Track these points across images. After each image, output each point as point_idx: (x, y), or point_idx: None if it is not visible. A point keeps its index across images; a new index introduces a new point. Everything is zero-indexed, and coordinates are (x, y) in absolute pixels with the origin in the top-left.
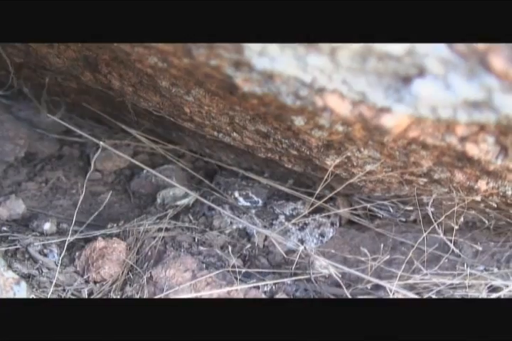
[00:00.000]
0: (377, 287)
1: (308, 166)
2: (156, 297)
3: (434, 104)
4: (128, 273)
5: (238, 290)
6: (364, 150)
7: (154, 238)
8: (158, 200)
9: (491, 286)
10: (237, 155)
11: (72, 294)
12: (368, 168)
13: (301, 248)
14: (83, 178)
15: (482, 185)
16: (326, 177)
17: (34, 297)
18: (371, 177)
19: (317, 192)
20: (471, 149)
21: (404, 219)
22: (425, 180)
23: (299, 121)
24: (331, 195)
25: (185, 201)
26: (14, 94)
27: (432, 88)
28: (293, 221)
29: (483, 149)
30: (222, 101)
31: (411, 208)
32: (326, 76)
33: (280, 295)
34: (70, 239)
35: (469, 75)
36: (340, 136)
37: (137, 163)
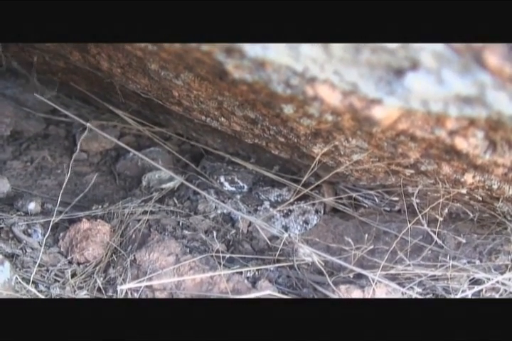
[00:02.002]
0: (359, 276)
1: (295, 153)
2: (139, 282)
3: (426, 97)
4: (112, 255)
5: (221, 275)
6: (352, 140)
7: (139, 221)
8: (144, 183)
9: (472, 279)
10: (224, 139)
11: (56, 274)
12: (355, 157)
13: (286, 235)
14: (69, 158)
15: (468, 178)
16: (312, 165)
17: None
18: (358, 166)
19: (304, 179)
20: (460, 143)
21: (388, 209)
22: (412, 171)
23: (288, 109)
24: (317, 183)
25: (170, 184)
26: (1, 72)
27: (425, 82)
28: (278, 208)
29: (472, 143)
30: (211, 86)
31: (396, 198)
32: (318, 66)
33: (263, 282)
34: (54, 219)
35: (463, 71)
36: (328, 125)
37: (123, 145)
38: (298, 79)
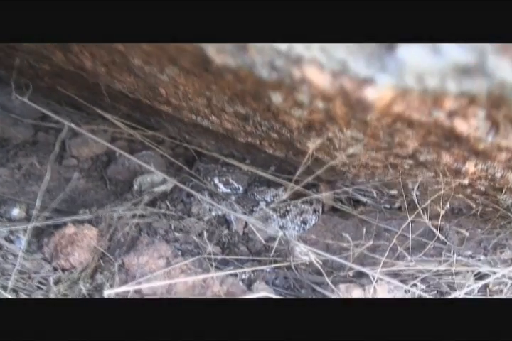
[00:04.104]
0: (360, 275)
1: (290, 151)
2: (128, 286)
3: (421, 71)
4: (99, 260)
5: (214, 277)
6: (346, 131)
7: (128, 224)
8: (135, 186)
9: (478, 273)
10: (217, 140)
11: (39, 282)
12: (351, 150)
13: (280, 234)
14: (58, 164)
15: (470, 166)
16: (305, 159)
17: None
18: (354, 160)
19: (296, 175)
20: (460, 125)
21: (388, 206)
22: (410, 162)
23: (276, 98)
24: (310, 178)
25: (162, 187)
26: None
27: (419, 53)
28: (272, 205)
29: (472, 125)
30: (197, 80)
31: (395, 192)
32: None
33: (259, 283)
34: (34, 224)
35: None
36: (320, 115)
37: (113, 147)
38: (283, 60)
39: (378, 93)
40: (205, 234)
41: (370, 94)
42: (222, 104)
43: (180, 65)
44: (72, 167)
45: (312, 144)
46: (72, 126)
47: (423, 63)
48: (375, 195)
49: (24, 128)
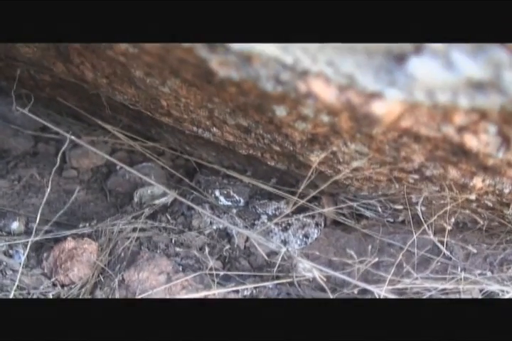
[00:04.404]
0: (364, 291)
1: (292, 163)
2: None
3: (432, 86)
4: (99, 276)
5: (216, 294)
6: (351, 145)
7: (128, 238)
8: (136, 199)
9: (486, 292)
10: (218, 152)
11: (38, 298)
12: (355, 164)
13: (284, 249)
14: (58, 176)
15: (478, 182)
16: (309, 174)
17: None
18: (358, 174)
19: (300, 190)
20: (470, 140)
21: (392, 220)
22: (416, 177)
23: (280, 111)
24: (314, 193)
25: (163, 200)
26: None
27: (430, 67)
28: (275, 220)
29: (483, 141)
30: (199, 92)
31: (400, 207)
32: (309, 56)
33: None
34: (33, 239)
35: (475, 50)
36: (325, 129)
37: (114, 160)
38: (289, 74)
39: (386, 108)
40: (207, 249)
41: (377, 108)
42: (224, 116)
43: (182, 77)
44: (72, 178)
45: (316, 158)
46: (72, 137)
47: (435, 78)
48: (378, 208)
49: (24, 139)
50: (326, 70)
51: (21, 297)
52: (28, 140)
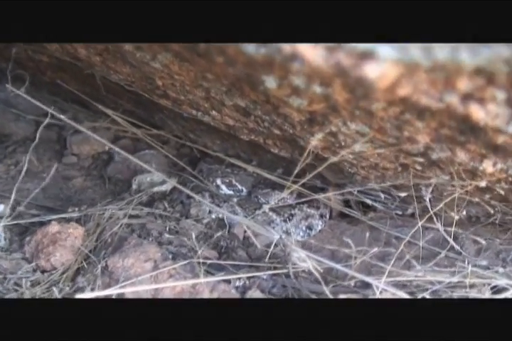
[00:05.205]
0: (365, 285)
1: (296, 150)
2: (110, 290)
3: None
4: (82, 262)
5: (204, 283)
6: (351, 124)
7: (118, 224)
8: (134, 186)
9: (494, 287)
10: (223, 140)
11: (15, 283)
12: (358, 147)
13: (277, 237)
14: (57, 162)
15: (488, 166)
16: (305, 154)
17: None
18: (363, 161)
19: (294, 173)
20: (476, 112)
21: (400, 213)
22: (422, 160)
23: (270, 82)
24: (312, 174)
25: (162, 188)
26: None
27: None
28: (269, 205)
29: (490, 111)
30: (192, 68)
31: (405, 194)
32: None
33: (253, 291)
34: (11, 222)
35: None
36: (321, 105)
37: (112, 146)
38: None
39: (380, 70)
40: (204, 238)
41: (370, 71)
42: (220, 96)
43: (172, 50)
44: (72, 165)
45: (316, 142)
46: (72, 123)
47: None
48: (382, 197)
49: (25, 124)
50: None
51: None
52: (30, 125)
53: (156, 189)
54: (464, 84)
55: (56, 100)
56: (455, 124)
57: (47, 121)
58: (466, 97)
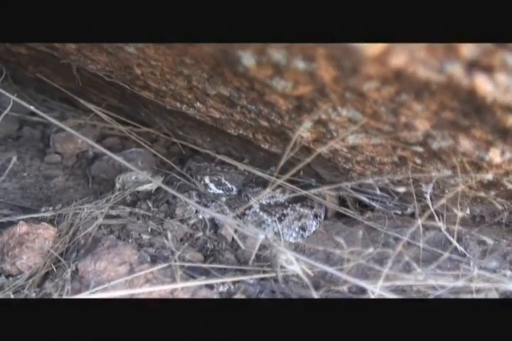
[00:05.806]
0: (361, 290)
1: (286, 145)
2: (80, 296)
3: None
4: (51, 266)
5: (183, 288)
6: (342, 110)
7: (93, 225)
8: (118, 185)
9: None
10: (213, 137)
11: None
12: (352, 139)
13: (262, 237)
14: (40, 161)
15: (495, 155)
16: (291, 144)
17: None
18: (357, 154)
19: (280, 164)
20: (483, 84)
21: (399, 212)
22: (421, 150)
23: (247, 59)
24: (295, 169)
25: (147, 187)
26: None
27: None
28: (255, 200)
29: (500, 83)
30: (168, 52)
31: (403, 189)
32: None
33: (238, 297)
34: None
35: None
36: (308, 88)
37: (95, 144)
38: None
39: None
40: (189, 240)
41: None
42: (203, 85)
43: None
44: (55, 164)
45: (307, 134)
46: (53, 120)
47: None
48: (379, 194)
49: (8, 122)
50: None
51: None
52: (13, 123)
53: (140, 188)
54: (468, 51)
55: (45, 99)
56: (458, 105)
57: (7, 111)
58: (472, 66)
